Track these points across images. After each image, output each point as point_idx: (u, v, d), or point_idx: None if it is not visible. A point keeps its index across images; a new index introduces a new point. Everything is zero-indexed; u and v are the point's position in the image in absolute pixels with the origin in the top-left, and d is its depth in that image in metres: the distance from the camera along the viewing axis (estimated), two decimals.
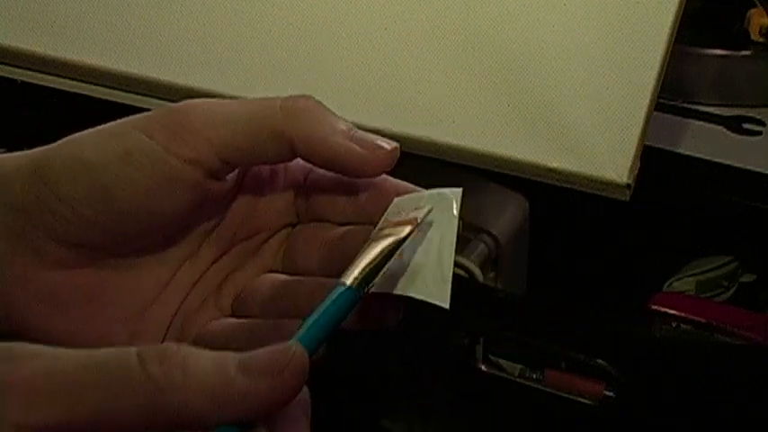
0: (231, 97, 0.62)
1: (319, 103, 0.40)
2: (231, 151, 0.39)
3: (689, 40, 0.79)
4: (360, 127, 0.60)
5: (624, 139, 0.59)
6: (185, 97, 0.63)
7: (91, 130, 0.40)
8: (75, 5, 0.67)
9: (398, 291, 0.38)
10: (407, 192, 0.41)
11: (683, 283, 0.81)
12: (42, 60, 0.65)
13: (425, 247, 0.39)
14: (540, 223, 0.81)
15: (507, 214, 0.79)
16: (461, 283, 0.74)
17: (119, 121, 0.40)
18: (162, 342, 0.42)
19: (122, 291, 0.41)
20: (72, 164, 0.38)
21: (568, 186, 0.59)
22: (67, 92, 0.65)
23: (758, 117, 0.82)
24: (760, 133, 0.81)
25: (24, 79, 0.65)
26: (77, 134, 0.40)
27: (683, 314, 0.76)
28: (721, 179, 0.76)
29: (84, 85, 0.65)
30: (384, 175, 0.41)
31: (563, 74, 0.63)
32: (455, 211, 0.40)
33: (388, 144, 0.40)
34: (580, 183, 0.59)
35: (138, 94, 0.64)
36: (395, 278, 0.39)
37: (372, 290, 0.38)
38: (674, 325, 0.76)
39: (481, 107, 0.62)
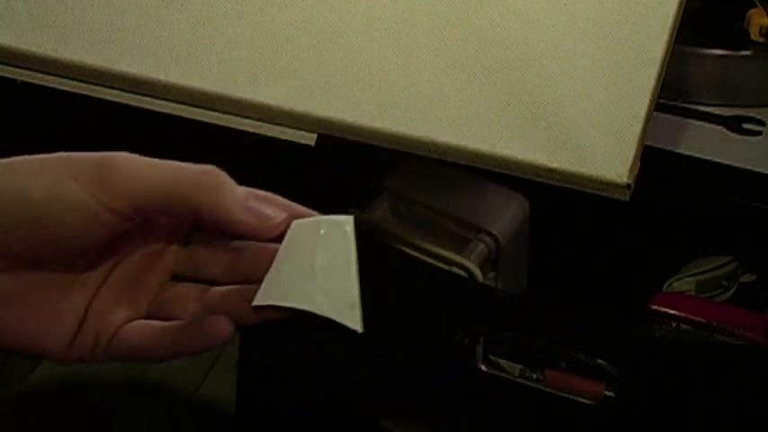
0: (231, 98, 0.63)
1: (222, 174, 0.47)
2: (145, 207, 0.46)
3: (689, 40, 0.79)
4: (360, 127, 0.61)
5: (624, 139, 0.59)
6: (185, 97, 0.64)
7: (29, 161, 0.46)
8: (75, 5, 0.67)
9: (305, 306, 0.45)
10: (303, 216, 0.48)
11: (683, 283, 0.81)
12: (42, 60, 0.65)
13: (331, 269, 0.46)
14: (540, 223, 0.81)
15: (507, 214, 0.79)
16: (461, 283, 0.74)
17: (56, 161, 0.46)
18: (76, 332, 0.49)
19: (36, 293, 0.48)
20: (12, 195, 0.45)
21: (568, 186, 0.59)
22: (67, 92, 0.65)
23: (758, 117, 0.82)
24: (760, 133, 0.81)
25: (24, 79, 0.65)
26: (16, 162, 0.46)
27: (683, 314, 0.76)
28: (721, 179, 0.76)
29: (84, 85, 0.65)
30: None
31: (563, 74, 0.63)
32: (351, 236, 0.47)
33: (279, 215, 0.47)
34: (580, 183, 0.59)
35: (138, 94, 0.64)
36: (306, 292, 0.46)
37: (274, 303, 0.46)
38: (674, 325, 0.76)
39: (481, 107, 0.62)
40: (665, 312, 0.76)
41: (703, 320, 0.76)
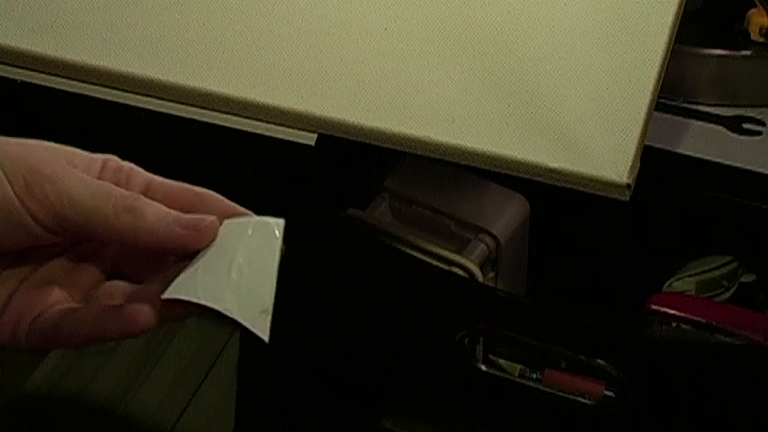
0: (231, 98, 0.63)
1: (142, 198, 0.46)
2: (69, 225, 0.46)
3: (689, 40, 0.79)
4: (360, 127, 0.61)
5: (624, 139, 0.59)
6: (186, 97, 0.64)
7: None
8: (75, 5, 0.67)
9: (220, 307, 0.44)
10: (235, 213, 0.47)
11: (683, 283, 0.81)
12: (42, 60, 0.65)
13: (250, 271, 0.45)
14: (540, 223, 0.81)
15: (507, 214, 0.79)
16: (461, 283, 0.74)
17: None
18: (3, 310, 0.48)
19: None
20: None
21: (568, 186, 0.59)
22: (67, 92, 0.65)
23: (758, 117, 0.82)
24: (760, 133, 0.81)
25: (24, 79, 0.65)
26: None
27: (683, 314, 0.76)
28: (721, 179, 0.76)
29: (84, 85, 0.65)
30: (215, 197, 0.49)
31: (563, 74, 0.63)
32: (278, 240, 0.46)
33: (206, 218, 0.46)
34: (580, 183, 0.59)
35: (138, 94, 0.64)
36: (218, 291, 0.44)
37: (183, 297, 0.44)
38: (674, 325, 0.76)
39: (481, 107, 0.62)
40: (665, 312, 0.76)
41: (703, 320, 0.75)
